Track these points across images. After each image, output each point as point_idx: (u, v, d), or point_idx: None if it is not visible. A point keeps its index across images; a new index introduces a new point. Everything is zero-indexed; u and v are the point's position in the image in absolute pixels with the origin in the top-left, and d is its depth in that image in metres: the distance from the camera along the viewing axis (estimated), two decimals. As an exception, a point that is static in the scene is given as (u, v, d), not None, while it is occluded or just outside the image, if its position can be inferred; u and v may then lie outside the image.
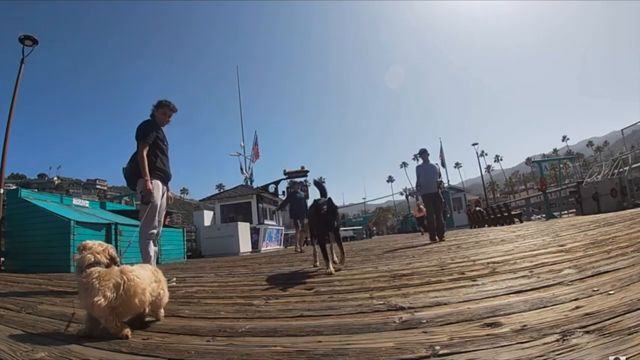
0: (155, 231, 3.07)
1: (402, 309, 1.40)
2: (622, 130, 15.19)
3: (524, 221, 12.76)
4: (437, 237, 6.09)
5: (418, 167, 6.70)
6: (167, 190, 3.28)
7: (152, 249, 3.04)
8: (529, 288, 1.50)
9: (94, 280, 1.28)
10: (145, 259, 3.00)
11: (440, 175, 6.63)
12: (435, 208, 6.33)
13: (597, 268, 1.72)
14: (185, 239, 9.28)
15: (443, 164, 30.40)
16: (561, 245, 2.87)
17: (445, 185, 28.63)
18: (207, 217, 12.74)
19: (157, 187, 3.05)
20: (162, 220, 3.24)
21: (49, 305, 2.11)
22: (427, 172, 6.53)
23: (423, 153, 6.78)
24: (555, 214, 12.14)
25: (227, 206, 13.50)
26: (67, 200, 7.26)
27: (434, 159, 6.89)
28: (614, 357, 0.77)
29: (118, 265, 1.43)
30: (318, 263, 3.33)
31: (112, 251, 1.45)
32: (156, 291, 1.46)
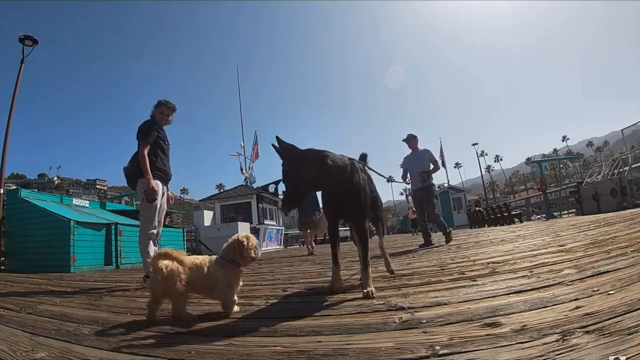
0: (155, 231, 3.07)
1: (402, 309, 1.40)
2: (622, 130, 15.20)
3: (524, 221, 12.76)
4: (443, 238, 5.14)
5: (404, 159, 5.53)
6: (167, 190, 3.29)
7: (152, 249, 3.04)
8: (529, 288, 1.50)
9: None
10: (145, 259, 3.00)
11: (433, 163, 5.28)
12: (427, 205, 5.22)
13: (597, 268, 1.72)
14: (185, 239, 9.27)
15: (443, 164, 30.30)
16: (561, 245, 2.87)
17: (445, 184, 28.52)
18: (207, 217, 12.75)
19: (157, 187, 3.05)
20: (162, 220, 3.24)
21: (49, 305, 2.11)
22: (410, 164, 5.33)
23: (409, 140, 5.43)
24: (555, 214, 12.14)
25: (227, 206, 13.53)
26: (67, 200, 7.26)
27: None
28: (614, 357, 0.77)
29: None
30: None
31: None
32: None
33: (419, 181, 5.18)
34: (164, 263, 1.46)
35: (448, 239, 5.04)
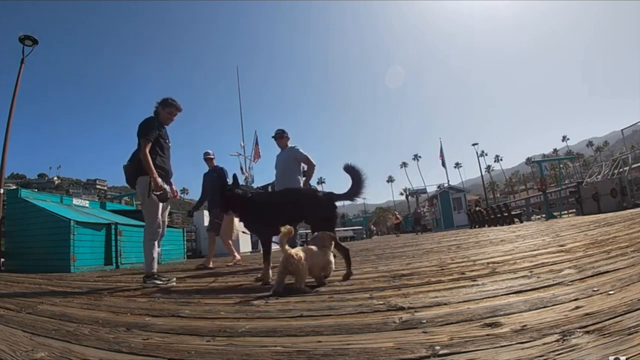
0: (160, 230, 3.05)
1: (402, 309, 1.40)
2: (622, 130, 15.20)
3: (524, 221, 12.76)
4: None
5: (276, 158, 4.51)
6: (171, 185, 3.24)
7: (156, 250, 2.99)
8: (529, 288, 1.50)
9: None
10: (148, 260, 2.95)
11: (303, 162, 4.23)
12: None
13: (597, 268, 1.72)
14: (185, 239, 9.27)
15: (443, 164, 30.28)
16: (561, 245, 2.87)
17: (445, 184, 28.47)
18: (207, 217, 12.73)
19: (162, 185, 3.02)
20: (166, 220, 3.21)
21: (49, 305, 2.11)
22: (277, 164, 4.42)
23: (276, 137, 4.40)
24: (555, 214, 12.14)
25: (227, 206, 13.47)
26: (67, 200, 7.26)
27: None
28: (614, 357, 0.77)
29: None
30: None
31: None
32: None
33: (282, 183, 4.11)
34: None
35: None
